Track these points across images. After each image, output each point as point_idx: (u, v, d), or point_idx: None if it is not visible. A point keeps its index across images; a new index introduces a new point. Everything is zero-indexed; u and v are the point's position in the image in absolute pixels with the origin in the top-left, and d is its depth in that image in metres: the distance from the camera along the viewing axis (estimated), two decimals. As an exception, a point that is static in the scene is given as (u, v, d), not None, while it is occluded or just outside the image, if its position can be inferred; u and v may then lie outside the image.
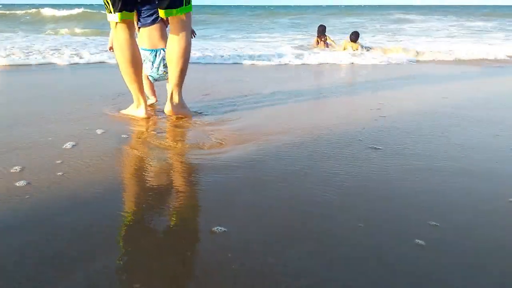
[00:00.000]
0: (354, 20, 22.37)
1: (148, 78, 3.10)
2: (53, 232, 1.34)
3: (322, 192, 1.68)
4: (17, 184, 1.67)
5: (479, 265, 1.22)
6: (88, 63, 5.46)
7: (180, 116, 2.76)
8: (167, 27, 2.93)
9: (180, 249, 1.27)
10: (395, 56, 6.83)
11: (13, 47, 6.35)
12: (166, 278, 1.13)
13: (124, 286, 1.09)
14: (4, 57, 5.35)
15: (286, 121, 2.82)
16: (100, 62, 5.56)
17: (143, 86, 2.76)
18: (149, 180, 1.80)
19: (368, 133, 2.51)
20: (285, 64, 5.96)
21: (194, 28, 3.00)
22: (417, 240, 1.33)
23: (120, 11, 2.44)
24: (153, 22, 2.90)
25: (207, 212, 1.52)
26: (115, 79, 3.56)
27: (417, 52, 7.34)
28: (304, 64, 6.12)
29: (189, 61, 2.70)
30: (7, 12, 22.65)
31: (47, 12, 21.99)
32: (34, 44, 6.88)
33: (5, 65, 4.86)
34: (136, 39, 2.71)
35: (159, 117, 2.84)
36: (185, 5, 2.49)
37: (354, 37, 7.74)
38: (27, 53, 5.76)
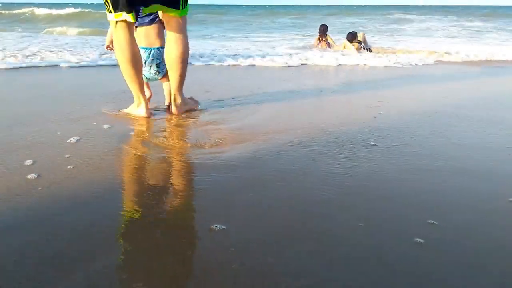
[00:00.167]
0: (355, 20, 22.37)
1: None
2: (53, 232, 1.34)
3: (322, 191, 1.68)
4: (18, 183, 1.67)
5: (479, 264, 1.22)
6: (88, 64, 5.45)
7: (186, 111, 2.92)
8: (164, 28, 2.94)
9: (180, 249, 1.27)
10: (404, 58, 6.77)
11: (4, 48, 6.29)
12: (166, 278, 1.13)
13: (124, 286, 1.09)
14: (2, 59, 5.33)
15: (286, 120, 2.82)
16: (99, 63, 5.55)
17: (143, 86, 2.77)
18: (149, 180, 1.80)
19: (368, 132, 2.51)
20: (286, 63, 5.96)
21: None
22: (417, 239, 1.33)
23: (120, 11, 2.44)
24: (151, 22, 2.89)
25: (207, 212, 1.52)
26: (115, 79, 3.56)
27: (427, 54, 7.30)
28: (304, 64, 6.12)
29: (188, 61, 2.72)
30: (5, 12, 22.65)
31: (42, 11, 21.95)
32: (29, 45, 6.84)
33: (6, 68, 4.84)
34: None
35: (160, 116, 2.84)
36: (183, 8, 2.52)
37: (350, 37, 7.74)
38: (28, 55, 5.73)
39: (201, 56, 6.18)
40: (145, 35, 2.94)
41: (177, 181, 1.82)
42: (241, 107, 3.15)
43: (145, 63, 2.97)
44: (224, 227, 1.38)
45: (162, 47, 2.92)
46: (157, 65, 2.93)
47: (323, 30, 8.56)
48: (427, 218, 1.47)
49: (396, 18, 24.48)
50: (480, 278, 1.16)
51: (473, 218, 1.50)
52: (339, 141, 2.34)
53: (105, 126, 2.53)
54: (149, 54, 2.93)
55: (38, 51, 6.10)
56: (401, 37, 12.44)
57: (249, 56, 6.34)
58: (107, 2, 2.45)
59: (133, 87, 2.72)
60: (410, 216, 1.50)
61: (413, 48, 8.65)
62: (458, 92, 4.16)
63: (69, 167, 1.87)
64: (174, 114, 2.86)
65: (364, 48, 7.65)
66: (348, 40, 7.75)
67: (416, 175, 1.89)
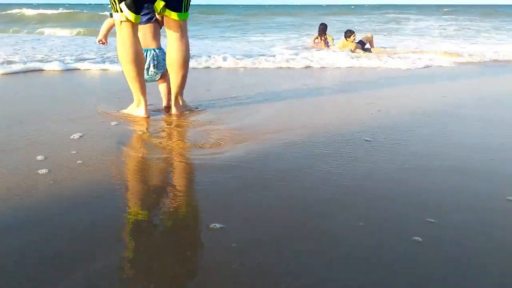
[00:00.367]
0: (354, 19, 22.35)
1: None
2: (53, 232, 1.34)
3: (322, 191, 1.68)
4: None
5: (478, 263, 1.22)
6: (87, 64, 5.43)
7: (185, 112, 2.93)
8: (161, 28, 2.93)
9: (180, 249, 1.27)
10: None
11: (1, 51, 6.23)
12: (166, 277, 1.13)
13: (124, 286, 1.09)
14: (2, 62, 5.27)
15: (285, 120, 2.82)
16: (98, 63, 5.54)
17: (144, 86, 2.76)
18: (148, 180, 1.80)
19: (367, 132, 2.51)
20: (287, 63, 5.95)
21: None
22: (417, 238, 1.33)
23: (128, 8, 2.44)
24: (148, 21, 2.87)
25: (207, 212, 1.52)
26: (115, 78, 3.57)
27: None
28: (308, 66, 6.11)
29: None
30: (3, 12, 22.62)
31: (34, 12, 21.88)
32: (22, 48, 6.76)
33: (6, 73, 4.75)
34: None
35: (159, 117, 2.84)
36: (185, 11, 2.58)
37: (348, 34, 7.69)
38: (28, 58, 5.68)
39: (199, 56, 6.17)
40: (142, 36, 2.94)
41: (176, 181, 1.82)
42: (241, 107, 3.15)
43: None
44: (224, 226, 1.38)
45: (159, 48, 2.92)
46: (155, 66, 2.92)
47: (323, 29, 8.49)
48: (426, 217, 1.48)
49: (394, 17, 24.46)
50: (480, 277, 1.16)
51: (472, 217, 1.50)
52: (339, 141, 2.34)
53: (105, 127, 2.52)
54: (147, 56, 2.92)
55: (35, 54, 6.05)
56: (400, 36, 12.43)
57: (249, 56, 6.34)
58: (114, 1, 2.45)
59: (134, 87, 2.71)
60: (410, 215, 1.50)
61: (413, 48, 8.62)
62: (458, 92, 4.16)
63: (69, 167, 1.87)
64: (174, 114, 2.86)
65: (363, 49, 7.59)
66: (345, 37, 7.71)
67: (416, 174, 1.89)
